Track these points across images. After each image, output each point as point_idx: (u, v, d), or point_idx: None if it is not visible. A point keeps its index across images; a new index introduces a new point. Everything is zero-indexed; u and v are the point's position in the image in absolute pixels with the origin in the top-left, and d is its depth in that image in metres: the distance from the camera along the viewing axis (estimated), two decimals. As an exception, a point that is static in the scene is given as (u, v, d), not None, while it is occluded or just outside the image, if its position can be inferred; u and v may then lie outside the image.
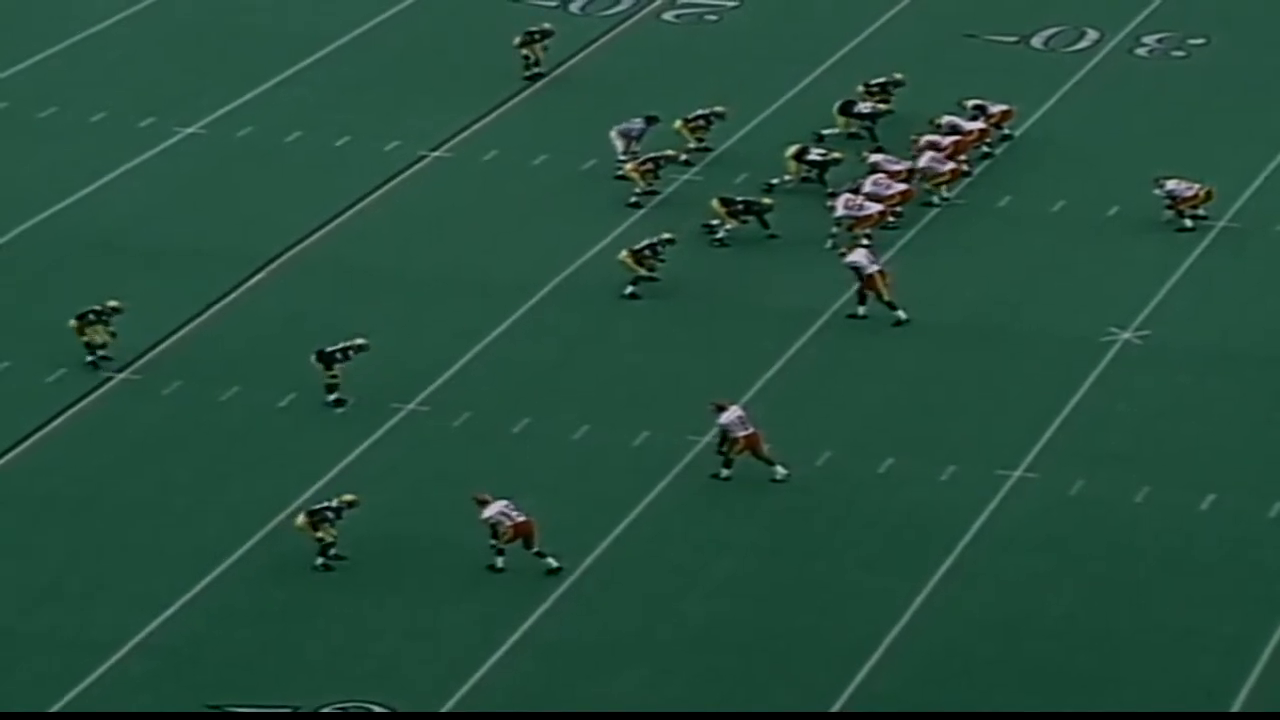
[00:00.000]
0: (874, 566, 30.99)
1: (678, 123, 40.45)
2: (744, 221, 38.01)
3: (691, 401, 33.85)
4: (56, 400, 34.30)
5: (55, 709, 28.52)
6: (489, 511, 30.69)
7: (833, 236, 37.77)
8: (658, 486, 32.51)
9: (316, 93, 43.32)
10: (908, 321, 35.93)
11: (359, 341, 34.12)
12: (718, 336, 36.03)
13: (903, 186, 38.55)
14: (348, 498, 31.03)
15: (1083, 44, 45.28)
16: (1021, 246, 38.55)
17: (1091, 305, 36.71)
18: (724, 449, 32.33)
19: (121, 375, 34.95)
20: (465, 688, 28.74)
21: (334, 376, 33.91)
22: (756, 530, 31.73)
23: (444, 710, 28.42)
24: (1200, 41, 45.30)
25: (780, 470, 32.38)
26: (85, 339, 34.70)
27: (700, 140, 40.52)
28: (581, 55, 44.88)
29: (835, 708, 28.50)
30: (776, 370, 35.07)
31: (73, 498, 32.30)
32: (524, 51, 43.24)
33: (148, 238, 38.67)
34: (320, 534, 30.72)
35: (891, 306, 35.98)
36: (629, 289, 36.76)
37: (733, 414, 32.27)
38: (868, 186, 38.41)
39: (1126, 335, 36.03)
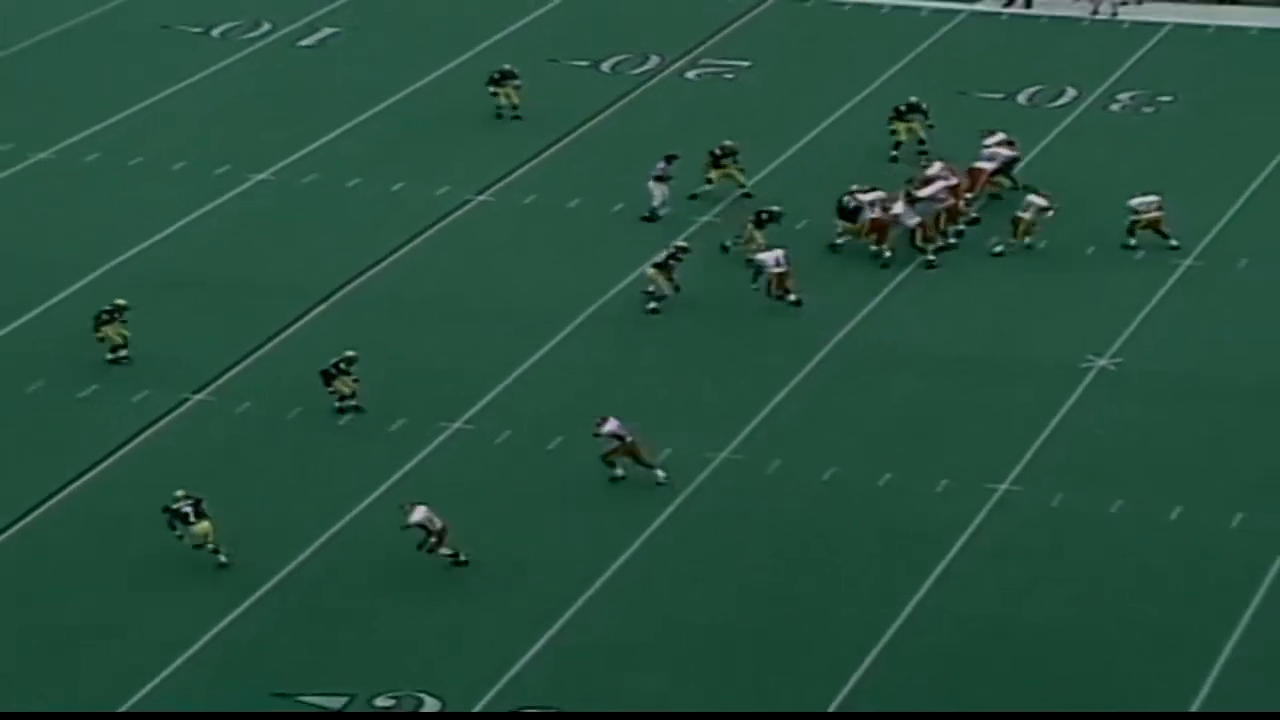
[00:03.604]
0: (874, 571, 30.65)
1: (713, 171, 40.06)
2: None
3: (708, 422, 33.61)
4: (140, 419, 34.01)
5: (136, 698, 28.14)
6: (416, 516, 30.20)
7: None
8: (677, 499, 32.15)
9: (374, 143, 43.13)
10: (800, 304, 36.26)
11: (348, 354, 33.93)
12: (731, 363, 35.66)
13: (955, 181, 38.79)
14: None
15: (1063, 100, 45.10)
16: (1008, 282, 38.17)
17: (1071, 335, 36.37)
18: (609, 455, 32.08)
19: (198, 397, 34.66)
20: (502, 682, 28.36)
21: (333, 391, 33.61)
22: (769, 538, 31.33)
23: (479, 708, 28.04)
24: (1168, 99, 45.09)
25: (660, 474, 32.12)
26: (101, 336, 34.79)
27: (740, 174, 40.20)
28: (611, 109, 44.66)
29: (837, 701, 28.11)
30: (786, 393, 34.76)
31: (153, 506, 31.93)
32: (494, 90, 43.06)
33: (223, 273, 38.43)
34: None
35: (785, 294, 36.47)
36: (651, 305, 36.49)
37: (614, 424, 31.97)
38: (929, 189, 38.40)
39: (1102, 362, 35.74)
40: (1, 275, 37.97)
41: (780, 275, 36.74)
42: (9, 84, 45.67)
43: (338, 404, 33.86)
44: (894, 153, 41.56)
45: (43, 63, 46.68)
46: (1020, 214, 38.75)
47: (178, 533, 30.56)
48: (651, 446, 32.35)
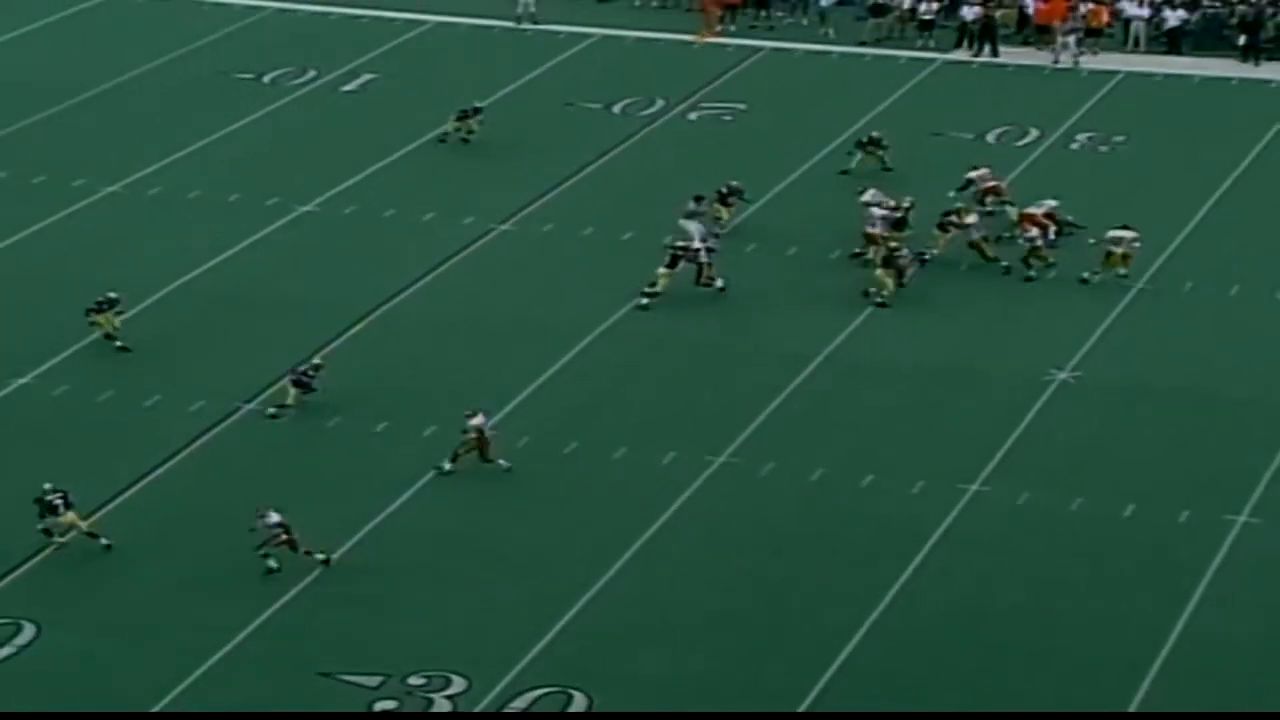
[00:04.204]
0: (858, 563, 30.53)
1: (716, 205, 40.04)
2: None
3: (709, 428, 33.49)
4: (195, 426, 33.88)
5: (190, 680, 28.08)
6: (271, 519, 29.77)
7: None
8: (681, 497, 32.02)
9: (407, 178, 42.96)
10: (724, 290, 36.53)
11: (315, 362, 34.21)
12: (730, 375, 35.49)
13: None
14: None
15: (1026, 140, 44.94)
16: (978, 301, 38.01)
17: (1035, 350, 36.21)
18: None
19: (249, 407, 34.52)
20: (524, 661, 28.28)
21: (304, 395, 33.79)
22: (762, 533, 31.22)
23: (504, 685, 27.88)
24: (1122, 139, 44.91)
25: (503, 462, 32.20)
26: (94, 323, 35.45)
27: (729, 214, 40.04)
28: (622, 147, 44.51)
29: (823, 680, 27.97)
30: (779, 403, 34.61)
31: (207, 507, 31.86)
32: (457, 125, 43.36)
33: (272, 294, 38.31)
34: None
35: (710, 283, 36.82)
36: (643, 300, 36.56)
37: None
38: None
39: (1063, 375, 35.56)
40: (76, 297, 37.80)
41: (704, 265, 36.73)
42: (83, 126, 45.58)
43: (274, 410, 33.75)
44: (846, 168, 41.74)
45: (112, 106, 46.60)
46: (1112, 248, 38.16)
47: (44, 524, 30.14)
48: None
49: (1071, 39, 48.63)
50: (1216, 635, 28.96)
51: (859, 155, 42.53)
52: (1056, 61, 48.68)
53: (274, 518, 29.96)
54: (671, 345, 36.50)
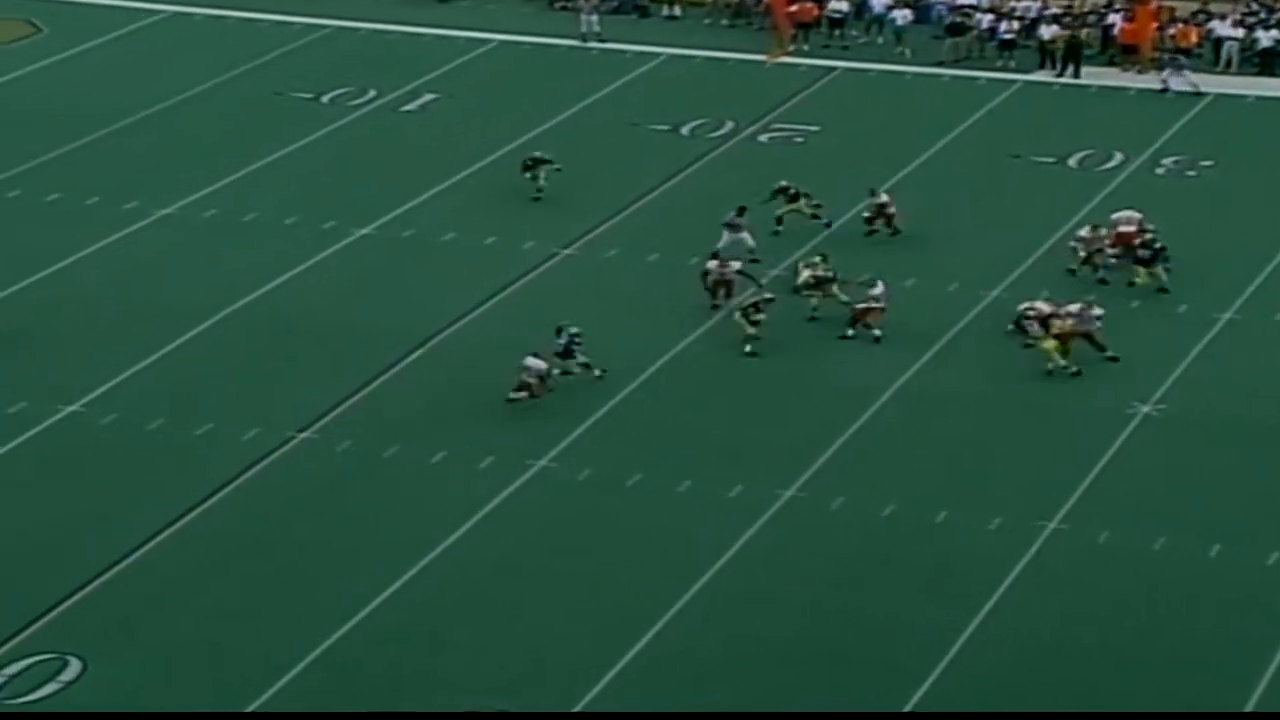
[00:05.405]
0: (931, 601, 30.42)
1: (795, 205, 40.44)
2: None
3: (777, 461, 33.46)
4: (250, 454, 34.06)
5: (248, 710, 28.24)
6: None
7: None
8: (748, 531, 32.00)
9: (468, 201, 43.17)
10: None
11: (573, 330, 35.59)
12: (799, 408, 35.48)
13: None
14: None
15: (1111, 164, 44.79)
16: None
17: (1117, 382, 36.01)
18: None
19: (303, 435, 34.71)
20: (589, 696, 28.28)
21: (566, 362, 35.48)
22: (831, 569, 31.16)
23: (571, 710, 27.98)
24: (1209, 163, 44.71)
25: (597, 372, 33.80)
26: None
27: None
28: (690, 170, 44.60)
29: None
30: (849, 436, 34.55)
31: (260, 536, 32.04)
32: (529, 176, 42.29)
33: (328, 319, 38.51)
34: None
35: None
36: (747, 348, 36.53)
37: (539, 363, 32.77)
38: None
39: (1146, 408, 35.39)
40: (127, 321, 38.20)
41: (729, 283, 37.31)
42: (137, 147, 45.97)
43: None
44: (778, 228, 40.66)
45: (167, 127, 46.98)
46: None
47: None
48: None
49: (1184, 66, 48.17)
50: (1305, 681, 28.75)
51: (782, 202, 41.07)
52: (1166, 89, 48.31)
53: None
54: (739, 375, 36.50)
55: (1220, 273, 39.18)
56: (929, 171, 44.10)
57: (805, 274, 38.09)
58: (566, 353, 35.56)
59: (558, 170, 42.47)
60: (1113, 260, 39.27)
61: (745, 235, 39.75)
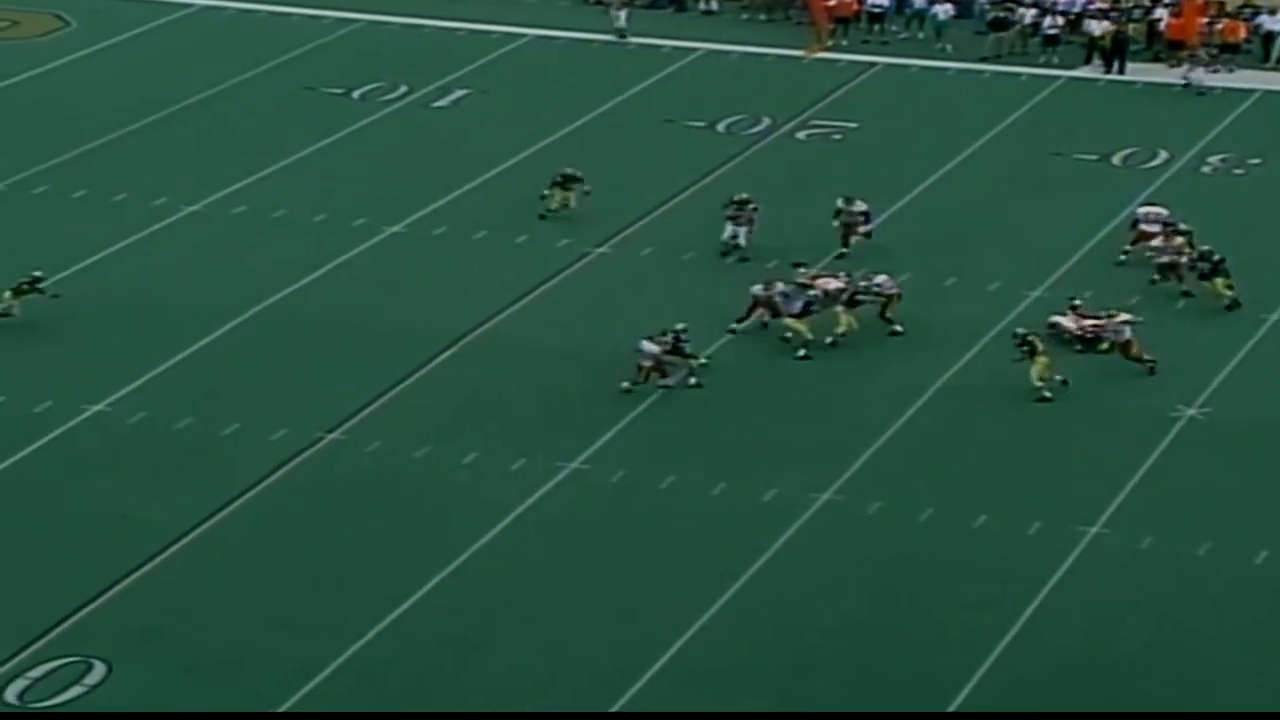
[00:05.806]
0: (969, 607, 30.22)
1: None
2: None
3: (813, 464, 33.28)
4: (278, 455, 33.97)
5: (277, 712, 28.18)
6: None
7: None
8: (784, 535, 31.84)
9: (500, 198, 43.03)
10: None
11: (679, 326, 35.29)
12: (836, 409, 35.32)
13: None
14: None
15: (1155, 162, 44.54)
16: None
17: (1160, 385, 35.80)
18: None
19: (332, 435, 34.64)
20: (620, 702, 28.17)
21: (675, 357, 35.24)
22: (868, 574, 30.99)
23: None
24: (1257, 161, 44.44)
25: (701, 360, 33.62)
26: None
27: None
28: (726, 167, 44.47)
29: (933, 731, 27.81)
30: (887, 438, 34.38)
31: (288, 538, 31.97)
32: (552, 192, 41.45)
33: (357, 318, 38.44)
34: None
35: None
36: (801, 352, 36.40)
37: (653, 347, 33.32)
38: None
39: (1191, 412, 35.14)
40: (154, 319, 38.18)
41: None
42: (165, 142, 46.00)
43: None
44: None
45: (195, 122, 47.01)
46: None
47: None
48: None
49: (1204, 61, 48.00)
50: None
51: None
52: (1187, 83, 48.10)
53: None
54: (774, 376, 36.35)
55: (1268, 273, 38.90)
56: (970, 169, 43.91)
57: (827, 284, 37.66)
58: (675, 349, 35.32)
59: (587, 193, 41.63)
60: (1123, 258, 38.96)
61: (744, 229, 39.56)
